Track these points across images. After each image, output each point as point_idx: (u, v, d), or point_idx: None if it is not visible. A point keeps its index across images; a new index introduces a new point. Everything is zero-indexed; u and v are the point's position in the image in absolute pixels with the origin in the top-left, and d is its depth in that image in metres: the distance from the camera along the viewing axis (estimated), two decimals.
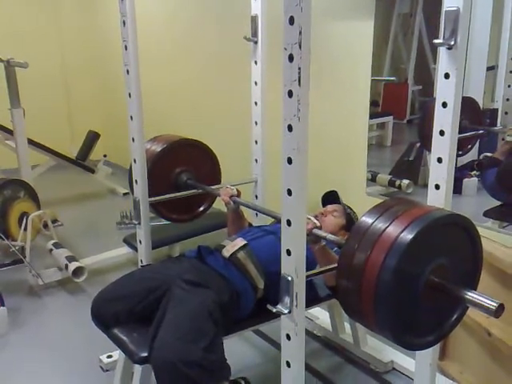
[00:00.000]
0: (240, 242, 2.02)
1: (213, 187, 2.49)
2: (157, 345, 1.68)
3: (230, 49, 3.68)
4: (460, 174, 2.70)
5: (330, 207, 2.24)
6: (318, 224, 1.78)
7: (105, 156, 4.97)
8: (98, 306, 1.92)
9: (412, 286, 1.32)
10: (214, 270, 1.96)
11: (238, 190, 2.30)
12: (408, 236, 1.27)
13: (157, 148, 2.45)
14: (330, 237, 1.74)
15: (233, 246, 2.01)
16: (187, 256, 2.10)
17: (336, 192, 2.32)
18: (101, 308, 1.91)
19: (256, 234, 2.12)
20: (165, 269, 2.02)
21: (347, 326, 2.49)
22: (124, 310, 1.87)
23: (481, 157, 2.80)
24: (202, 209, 2.64)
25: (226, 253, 1.99)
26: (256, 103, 2.50)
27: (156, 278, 1.95)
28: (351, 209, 2.24)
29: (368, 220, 1.37)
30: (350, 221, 2.17)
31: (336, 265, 1.43)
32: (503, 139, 2.57)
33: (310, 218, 1.74)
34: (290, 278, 1.34)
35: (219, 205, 2.59)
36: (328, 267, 1.65)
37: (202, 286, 1.84)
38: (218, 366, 1.69)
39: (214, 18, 3.92)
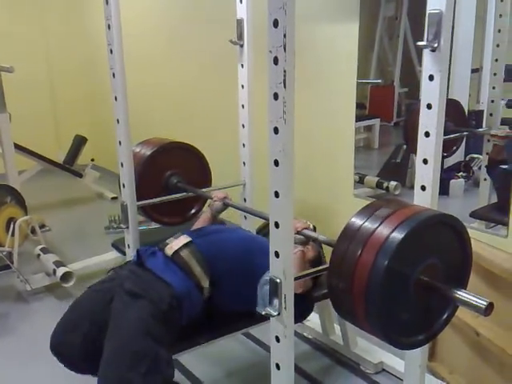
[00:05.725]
0: (184, 239, 1.96)
1: (203, 190, 2.49)
2: (98, 380, 1.65)
3: (217, 52, 3.67)
4: (447, 175, 2.72)
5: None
6: (311, 226, 1.78)
7: (92, 160, 4.92)
8: (55, 343, 1.84)
9: (402, 285, 1.33)
10: (153, 273, 1.87)
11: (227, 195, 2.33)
12: (398, 236, 1.27)
13: (146, 151, 2.45)
14: (321, 237, 1.74)
15: (176, 243, 1.94)
16: (131, 261, 2.02)
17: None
18: (58, 345, 1.83)
19: (203, 232, 2.10)
20: (109, 280, 1.95)
21: (337, 327, 2.49)
22: (79, 339, 1.78)
23: (467, 158, 2.83)
24: (193, 212, 2.64)
25: (169, 250, 1.92)
26: (243, 106, 2.50)
27: (101, 289, 1.89)
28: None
29: (358, 221, 1.37)
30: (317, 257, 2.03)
31: (327, 265, 1.43)
32: (488, 140, 2.59)
33: (300, 220, 1.73)
34: (278, 280, 1.34)
35: None
36: (319, 268, 1.67)
37: (139, 297, 1.76)
38: None
39: (200, 21, 3.92)
